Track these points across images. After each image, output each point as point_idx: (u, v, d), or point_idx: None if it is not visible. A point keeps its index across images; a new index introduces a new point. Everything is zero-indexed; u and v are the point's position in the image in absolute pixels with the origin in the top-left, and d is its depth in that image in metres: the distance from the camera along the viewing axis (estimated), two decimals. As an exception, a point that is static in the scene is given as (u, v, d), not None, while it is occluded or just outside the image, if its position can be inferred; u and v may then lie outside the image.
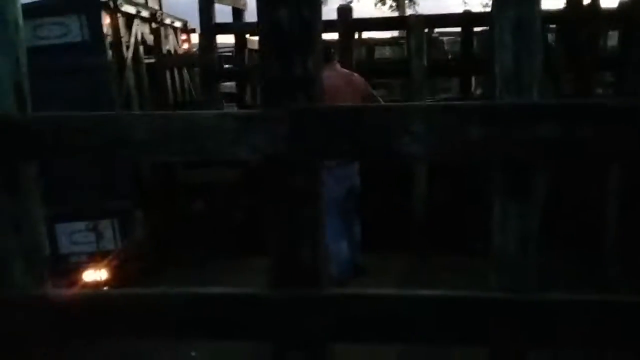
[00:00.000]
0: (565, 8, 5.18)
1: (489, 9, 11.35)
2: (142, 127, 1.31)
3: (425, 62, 5.00)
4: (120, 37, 5.24)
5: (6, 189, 1.41)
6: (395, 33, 10.49)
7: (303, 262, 1.40)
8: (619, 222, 4.06)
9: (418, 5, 15.07)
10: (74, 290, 1.42)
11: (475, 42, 6.06)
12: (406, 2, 14.76)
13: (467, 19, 5.77)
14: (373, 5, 14.62)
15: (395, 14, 14.61)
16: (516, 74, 1.31)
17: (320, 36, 1.45)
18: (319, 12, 1.38)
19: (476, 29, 6.17)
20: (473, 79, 6.42)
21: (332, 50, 4.50)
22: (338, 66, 4.32)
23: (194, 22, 6.94)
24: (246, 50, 6.42)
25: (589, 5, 5.12)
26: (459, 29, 6.43)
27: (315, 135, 1.36)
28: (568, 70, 5.12)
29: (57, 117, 1.35)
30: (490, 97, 1.42)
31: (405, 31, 6.03)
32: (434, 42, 8.63)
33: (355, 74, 4.35)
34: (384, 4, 14.64)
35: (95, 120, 1.34)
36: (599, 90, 6.00)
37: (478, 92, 6.39)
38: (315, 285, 1.40)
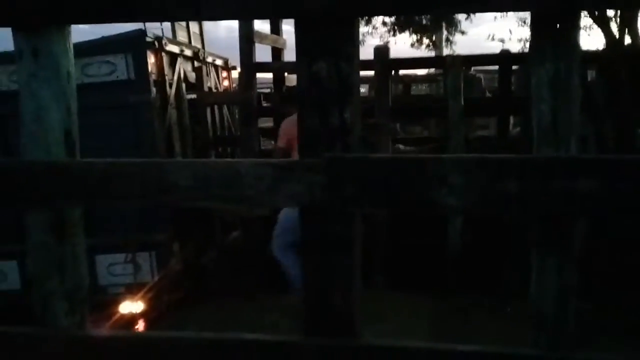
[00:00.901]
0: (605, 48, 5.13)
1: (525, 44, 11.29)
2: (185, 174, 1.36)
3: (462, 102, 5.00)
4: (164, 75, 5.43)
5: (52, 232, 1.47)
6: (431, 69, 10.54)
7: (337, 310, 1.41)
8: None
9: (455, 44, 15.11)
10: (115, 330, 1.44)
11: (513, 79, 6.04)
12: (443, 42, 14.84)
13: (504, 58, 5.77)
14: (409, 45, 14.75)
15: (432, 53, 14.69)
16: (553, 127, 1.31)
17: (358, 88, 1.49)
18: (356, 65, 1.42)
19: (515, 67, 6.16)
20: (511, 117, 6.37)
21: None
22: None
23: (235, 59, 7.14)
24: (284, 88, 6.55)
25: (629, 45, 5.07)
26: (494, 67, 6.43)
27: (351, 185, 1.37)
28: (609, 110, 5.04)
29: (103, 163, 1.41)
30: (527, 138, 1.42)
31: (442, 68, 6.06)
32: (471, 80, 8.62)
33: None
34: (421, 44, 14.73)
35: (141, 167, 1.39)
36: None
37: (516, 131, 6.33)
38: (348, 335, 1.40)
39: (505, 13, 6.92)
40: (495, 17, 12.37)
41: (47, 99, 1.47)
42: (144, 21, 3.92)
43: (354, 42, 1.41)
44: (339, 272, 1.43)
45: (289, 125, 4.57)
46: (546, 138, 1.36)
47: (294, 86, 5.87)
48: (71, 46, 1.53)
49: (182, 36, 6.88)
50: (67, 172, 1.42)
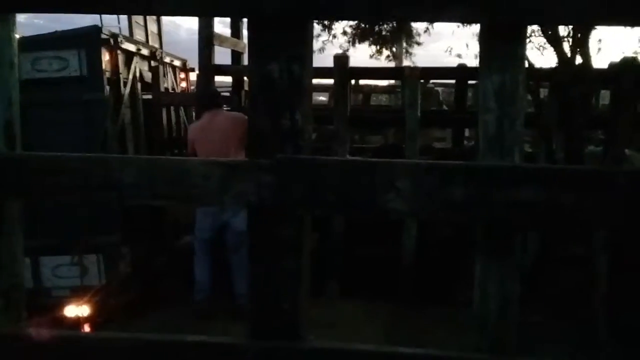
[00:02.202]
0: (557, 66, 5.31)
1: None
2: (130, 171, 1.33)
3: (418, 113, 5.08)
4: (119, 74, 5.32)
5: (-12, 226, 1.41)
6: (392, 80, 10.67)
7: (283, 313, 1.39)
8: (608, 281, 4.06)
9: (414, 55, 15.38)
10: (48, 330, 1.39)
11: (469, 94, 6.19)
12: (403, 53, 15.08)
13: (461, 72, 5.90)
14: (369, 56, 14.93)
15: (392, 64, 14.90)
16: (498, 137, 1.34)
17: (310, 90, 1.49)
18: (308, 67, 1.42)
19: (471, 82, 6.31)
20: (466, 130, 6.51)
21: (219, 96, 5.10)
22: (223, 110, 4.83)
23: (195, 61, 7.06)
24: (243, 92, 6.51)
25: (580, 64, 5.26)
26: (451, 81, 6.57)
27: (300, 186, 1.37)
28: (560, 127, 5.21)
29: (45, 157, 1.36)
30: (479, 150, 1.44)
31: (400, 81, 6.15)
32: (429, 92, 8.79)
33: (239, 114, 4.74)
34: (380, 54, 14.93)
35: (84, 162, 1.35)
36: (591, 147, 6.10)
37: (470, 144, 6.47)
38: (295, 338, 1.39)
39: (462, 27, 7.08)
40: (453, 32, 12.65)
41: (-13, 88, 1.41)
42: (91, 13, 3.83)
43: (307, 45, 1.41)
44: (287, 274, 1.41)
45: (192, 129, 4.67)
46: (491, 147, 1.39)
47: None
48: (14, 36, 1.48)
49: (139, 35, 6.75)
50: (7, 164, 1.36)
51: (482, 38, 1.46)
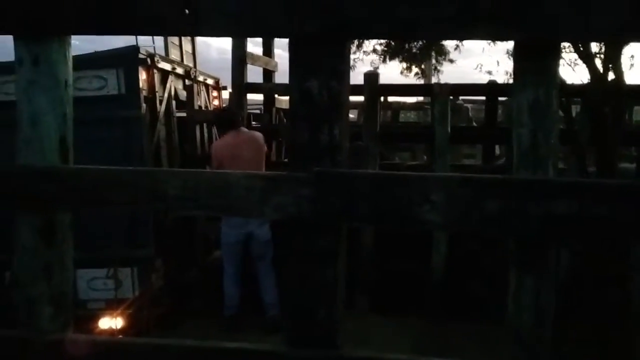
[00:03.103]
0: (589, 83, 5.27)
1: (512, 77, 11.52)
2: (175, 183, 1.39)
3: (448, 129, 5.10)
4: (155, 92, 5.47)
5: (42, 236, 1.49)
6: (420, 97, 10.69)
7: (320, 322, 1.43)
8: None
9: (443, 73, 15.40)
10: (95, 336, 1.46)
11: (500, 111, 6.17)
12: (431, 69, 15.11)
13: (491, 89, 5.90)
14: (399, 73, 14.99)
15: (421, 81, 14.94)
16: (532, 152, 1.37)
17: (347, 106, 1.54)
18: (346, 83, 1.47)
19: (501, 98, 6.30)
20: (497, 147, 6.48)
21: (237, 115, 5.26)
22: (243, 129, 4.91)
23: (225, 80, 7.23)
24: (274, 109, 6.62)
25: (612, 80, 5.21)
26: (481, 98, 6.57)
27: (337, 199, 1.42)
28: (593, 144, 5.16)
29: (96, 170, 1.44)
30: (511, 168, 1.47)
31: (429, 97, 6.18)
32: (459, 109, 8.78)
33: (259, 134, 4.89)
34: (410, 71, 15.00)
35: (132, 175, 1.42)
36: (625, 165, 6.01)
37: (501, 161, 6.44)
38: (331, 347, 1.42)
39: (492, 45, 7.09)
40: (484, 49, 12.62)
41: (44, 105, 1.50)
42: (144, 34, 3.98)
43: (345, 62, 1.46)
44: (323, 285, 1.46)
45: (218, 148, 4.79)
46: (525, 161, 1.42)
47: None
48: (70, 56, 1.57)
49: (174, 54, 6.94)
50: (60, 178, 1.45)
51: (516, 54, 1.50)
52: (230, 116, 5.03)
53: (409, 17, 1.34)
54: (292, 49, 1.42)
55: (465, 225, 1.46)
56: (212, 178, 1.45)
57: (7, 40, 1.57)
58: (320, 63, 1.42)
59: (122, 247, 4.85)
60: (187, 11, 1.41)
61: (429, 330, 4.38)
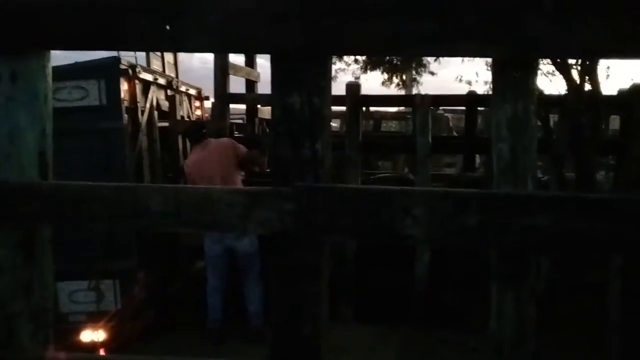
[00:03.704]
0: (566, 93, 5.36)
1: (491, 87, 11.69)
2: (158, 199, 1.39)
3: (429, 139, 5.14)
4: (137, 103, 5.44)
5: (21, 253, 1.47)
6: (401, 107, 10.76)
7: (304, 337, 1.43)
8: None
9: (422, 84, 15.60)
10: (76, 353, 1.44)
11: (479, 120, 6.25)
12: (412, 81, 15.29)
13: (471, 100, 5.98)
14: (380, 83, 15.14)
15: (402, 91, 15.09)
16: (512, 166, 1.39)
17: (329, 121, 1.56)
18: (328, 99, 1.48)
19: (480, 108, 6.37)
20: (477, 156, 6.55)
21: (203, 127, 5.32)
22: (211, 140, 4.96)
23: (208, 90, 7.22)
24: (257, 119, 6.62)
25: (589, 91, 5.30)
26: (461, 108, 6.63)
27: (320, 213, 1.42)
28: (570, 153, 5.24)
29: (76, 185, 1.43)
30: (489, 177, 1.49)
31: (411, 107, 6.23)
32: (439, 118, 8.86)
33: (225, 139, 4.96)
34: (391, 82, 15.15)
35: (113, 191, 1.42)
36: (602, 173, 6.11)
37: (480, 171, 6.51)
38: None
39: (471, 58, 7.17)
40: (463, 60, 12.79)
41: (23, 121, 1.49)
42: (127, 50, 3.97)
43: (327, 78, 1.48)
44: (307, 300, 1.46)
45: (187, 165, 4.93)
46: (505, 176, 1.44)
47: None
48: (50, 70, 1.56)
49: (156, 65, 6.91)
50: (39, 194, 1.43)
51: (495, 70, 1.53)
52: (194, 130, 5.08)
53: (391, 33, 1.35)
54: (274, 65, 1.43)
55: (446, 239, 1.47)
56: (195, 194, 1.45)
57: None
58: (302, 79, 1.43)
59: (103, 259, 4.80)
60: (168, 27, 1.42)
61: (412, 339, 4.39)
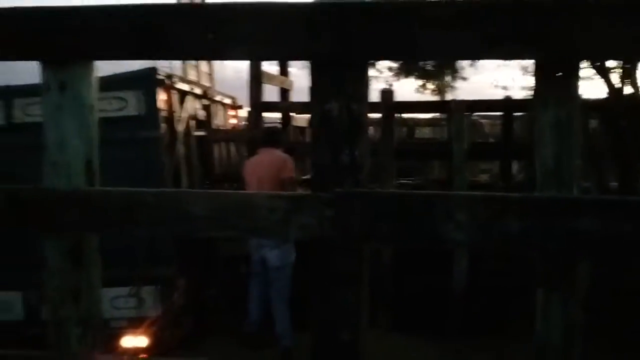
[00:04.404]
0: (607, 97, 5.24)
1: (528, 92, 11.51)
2: (201, 204, 1.41)
3: (465, 145, 5.09)
4: (173, 112, 5.55)
5: (70, 259, 1.51)
6: (435, 113, 10.68)
7: (343, 343, 1.43)
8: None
9: (457, 90, 15.45)
10: (121, 356, 1.47)
11: (515, 126, 6.15)
12: (446, 85, 15.16)
13: (508, 104, 5.89)
14: (413, 90, 15.09)
15: (436, 98, 14.99)
16: (556, 171, 1.37)
17: (367, 127, 1.56)
18: (365, 104, 1.49)
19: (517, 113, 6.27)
20: (514, 162, 6.44)
21: (274, 134, 5.16)
22: (275, 150, 4.85)
23: (241, 98, 7.32)
24: (290, 127, 6.67)
25: (629, 95, 5.18)
26: (497, 113, 6.54)
27: (359, 219, 1.42)
28: (611, 157, 5.11)
29: (122, 192, 1.47)
30: (531, 183, 1.48)
31: (446, 113, 6.18)
32: (474, 125, 8.76)
33: (283, 156, 4.82)
34: (425, 88, 15.07)
35: (156, 197, 1.45)
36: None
37: (520, 177, 6.39)
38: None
39: (507, 62, 7.08)
40: (498, 66, 12.64)
41: (71, 129, 1.53)
42: (166, 59, 4.04)
43: (365, 84, 1.48)
44: (346, 306, 1.46)
45: (244, 166, 4.99)
46: (549, 181, 1.42)
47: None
48: (95, 81, 1.61)
49: (192, 75, 7.05)
50: (86, 200, 1.47)
51: (536, 73, 1.51)
52: (265, 134, 5.16)
53: (427, 38, 1.35)
54: (313, 72, 1.44)
55: (489, 243, 1.46)
56: (237, 199, 1.47)
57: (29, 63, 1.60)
58: (341, 85, 1.43)
59: (144, 266, 4.89)
60: (209, 36, 1.44)
61: (450, 347, 4.33)
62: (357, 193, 1.44)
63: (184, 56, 1.79)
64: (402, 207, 1.40)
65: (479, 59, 1.41)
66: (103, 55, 1.54)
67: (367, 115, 1.49)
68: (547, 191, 1.38)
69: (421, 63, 12.78)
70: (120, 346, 4.51)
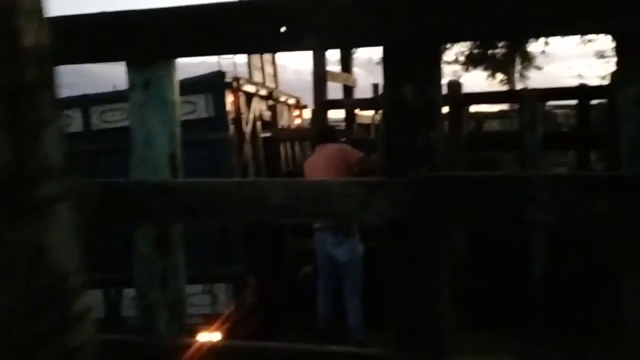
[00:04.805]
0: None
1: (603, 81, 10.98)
2: (279, 192, 1.45)
3: (539, 135, 4.92)
4: (241, 114, 5.68)
5: (157, 247, 1.59)
6: (502, 106, 10.37)
7: (425, 327, 1.43)
8: None
9: (529, 79, 14.89)
10: (207, 340, 1.53)
11: (591, 115, 5.88)
12: (516, 75, 14.66)
13: (583, 91, 5.64)
14: (484, 78, 14.72)
15: (505, 87, 14.56)
16: (643, 145, 1.31)
17: (441, 110, 1.55)
18: (440, 88, 1.48)
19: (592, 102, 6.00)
20: (591, 153, 6.17)
21: (329, 131, 5.08)
22: (331, 144, 4.78)
23: (304, 99, 7.40)
24: (355, 125, 6.67)
25: None
26: (571, 102, 6.28)
27: (436, 202, 1.42)
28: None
29: (205, 182, 1.53)
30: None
31: (517, 104, 6.00)
32: (548, 115, 8.45)
33: (341, 146, 4.78)
34: (494, 78, 14.65)
35: (238, 185, 1.50)
36: None
37: (599, 166, 6.10)
38: (438, 352, 1.41)
39: (578, 48, 6.78)
40: (569, 54, 12.13)
41: (156, 125, 1.61)
42: (242, 53, 4.11)
43: (438, 67, 1.47)
44: (425, 288, 1.45)
45: (304, 165, 4.93)
46: (635, 156, 1.36)
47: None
48: (176, 78, 1.68)
49: (257, 77, 7.19)
50: (172, 191, 1.54)
51: (618, 47, 1.45)
52: (320, 131, 5.18)
53: (505, 15, 1.33)
54: (386, 57, 1.45)
55: (572, 226, 1.41)
56: (313, 186, 1.49)
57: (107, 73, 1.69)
58: (414, 69, 1.43)
59: (216, 264, 5.03)
60: (283, 29, 1.48)
61: (530, 347, 4.19)
62: (435, 177, 1.43)
63: (258, 50, 1.83)
64: (481, 189, 1.38)
65: (556, 35, 1.37)
66: (184, 52, 1.61)
67: (441, 98, 1.48)
68: (633, 167, 1.32)
69: (490, 52, 12.45)
70: (197, 341, 4.66)
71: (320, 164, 4.63)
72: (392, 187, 1.42)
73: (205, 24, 1.54)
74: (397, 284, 1.47)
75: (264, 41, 1.52)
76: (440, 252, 1.44)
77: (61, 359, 0.73)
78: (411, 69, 1.43)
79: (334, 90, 7.19)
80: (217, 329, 4.80)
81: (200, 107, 5.34)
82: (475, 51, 12.78)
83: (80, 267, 0.78)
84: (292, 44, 1.50)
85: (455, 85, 5.44)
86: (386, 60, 1.45)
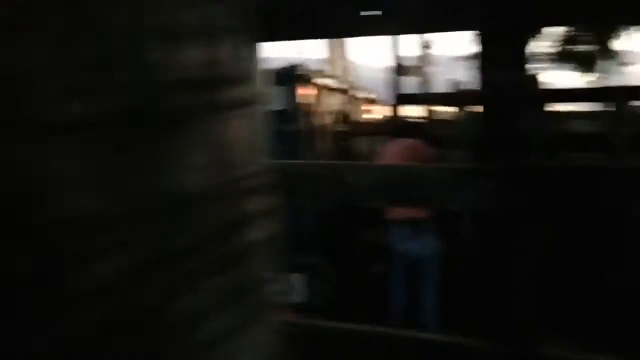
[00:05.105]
0: None
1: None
2: (365, 175, 1.45)
3: (625, 135, 4.65)
4: (314, 107, 5.72)
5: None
6: (580, 106, 9.87)
7: (514, 317, 1.39)
8: None
9: (621, 75, 14.03)
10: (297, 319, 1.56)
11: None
12: (601, 74, 13.91)
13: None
14: (566, 77, 14.05)
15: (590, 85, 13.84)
16: None
17: (535, 97, 1.50)
18: (536, 75, 1.43)
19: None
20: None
21: (401, 126, 5.11)
22: (403, 139, 4.75)
23: (380, 93, 7.36)
24: (431, 120, 6.55)
25: None
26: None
27: (528, 191, 1.38)
28: None
29: (293, 164, 1.55)
30: None
31: (600, 103, 5.69)
32: (633, 115, 7.97)
33: (411, 142, 4.69)
34: (582, 73, 13.92)
35: (326, 168, 1.51)
36: None
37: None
38: (528, 344, 1.38)
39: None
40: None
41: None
42: (328, 37, 4.04)
43: (527, 55, 1.43)
44: (515, 278, 1.42)
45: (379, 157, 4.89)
46: None
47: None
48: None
49: (331, 70, 7.22)
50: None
51: None
52: (393, 126, 5.16)
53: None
54: (484, 41, 1.42)
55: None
56: (400, 170, 1.49)
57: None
58: (509, 55, 1.40)
59: (292, 253, 5.09)
60: (372, 13, 1.48)
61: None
62: (527, 165, 1.39)
63: (342, 34, 1.84)
64: (570, 179, 1.32)
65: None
66: (277, 37, 1.63)
67: (539, 85, 1.44)
68: None
69: (575, 48, 11.89)
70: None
71: (392, 159, 4.60)
72: (481, 175, 1.39)
73: (297, 10, 1.56)
74: (485, 273, 1.44)
75: (351, 26, 1.53)
76: (527, 241, 1.40)
77: (233, 254, 0.79)
78: (506, 55, 1.40)
79: (412, 84, 7.12)
80: (293, 319, 4.83)
81: (274, 99, 5.43)
82: (561, 49, 12.23)
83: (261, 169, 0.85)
84: (381, 29, 1.50)
85: (532, 79, 5.22)
86: (483, 45, 1.42)
